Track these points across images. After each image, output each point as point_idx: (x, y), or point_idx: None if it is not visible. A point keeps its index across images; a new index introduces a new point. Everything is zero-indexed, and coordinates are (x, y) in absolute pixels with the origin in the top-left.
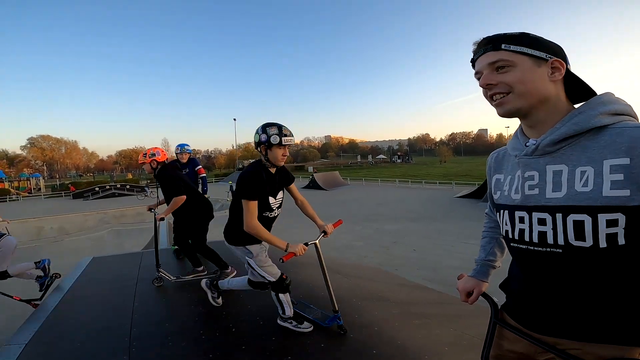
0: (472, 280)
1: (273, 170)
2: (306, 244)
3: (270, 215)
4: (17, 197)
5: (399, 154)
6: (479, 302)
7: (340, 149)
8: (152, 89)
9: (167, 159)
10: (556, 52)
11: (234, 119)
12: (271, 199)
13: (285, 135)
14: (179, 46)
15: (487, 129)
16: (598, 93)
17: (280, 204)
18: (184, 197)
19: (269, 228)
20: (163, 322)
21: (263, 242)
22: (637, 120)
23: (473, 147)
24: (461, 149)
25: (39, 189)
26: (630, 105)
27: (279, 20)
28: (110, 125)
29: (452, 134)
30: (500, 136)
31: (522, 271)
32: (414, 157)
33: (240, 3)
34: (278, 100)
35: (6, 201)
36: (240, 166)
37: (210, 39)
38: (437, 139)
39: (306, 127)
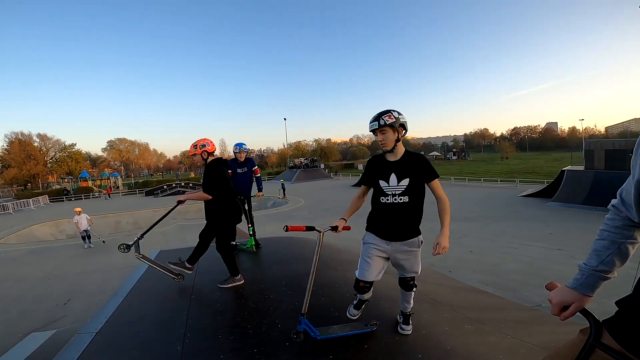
0: (573, 294)
1: (391, 157)
2: (313, 228)
3: (387, 200)
4: (100, 195)
5: (454, 150)
6: (543, 307)
7: None
8: (209, 90)
9: (214, 150)
10: None
11: (284, 119)
12: (382, 183)
13: (370, 123)
14: (234, 49)
15: (557, 122)
16: None
17: (403, 191)
18: (210, 197)
19: (392, 216)
20: (215, 315)
21: (374, 238)
22: None
23: (540, 142)
24: (526, 144)
25: (118, 187)
26: None
27: (326, 13)
28: (174, 126)
29: (514, 128)
30: (572, 130)
31: None
32: (471, 153)
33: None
34: (325, 98)
35: (90, 198)
36: (292, 164)
37: (261, 39)
38: (498, 134)
39: (355, 125)
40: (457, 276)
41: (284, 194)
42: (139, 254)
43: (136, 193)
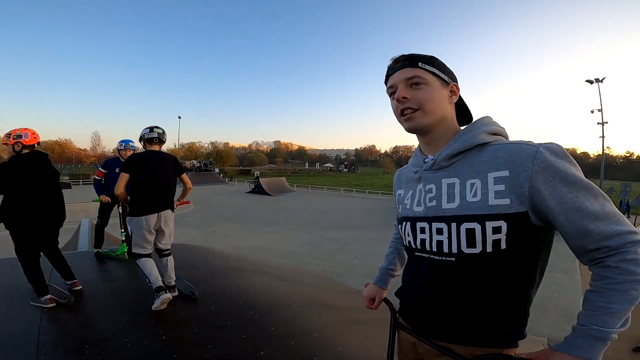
0: (374, 288)
1: None
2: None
3: None
4: None
5: (345, 163)
6: None
7: (289, 155)
8: (80, 77)
9: (38, 143)
10: (454, 78)
11: (179, 117)
12: None
13: None
14: (121, 32)
15: None
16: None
17: None
18: None
19: None
20: (79, 330)
21: None
22: (508, 139)
23: None
24: (403, 161)
25: None
26: (503, 128)
27: (231, 17)
28: (30, 113)
29: (395, 146)
30: None
31: (421, 279)
32: (360, 167)
33: None
34: (226, 101)
35: None
36: (182, 166)
37: (158, 29)
38: (382, 151)
39: (256, 131)
40: (345, 280)
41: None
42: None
43: None
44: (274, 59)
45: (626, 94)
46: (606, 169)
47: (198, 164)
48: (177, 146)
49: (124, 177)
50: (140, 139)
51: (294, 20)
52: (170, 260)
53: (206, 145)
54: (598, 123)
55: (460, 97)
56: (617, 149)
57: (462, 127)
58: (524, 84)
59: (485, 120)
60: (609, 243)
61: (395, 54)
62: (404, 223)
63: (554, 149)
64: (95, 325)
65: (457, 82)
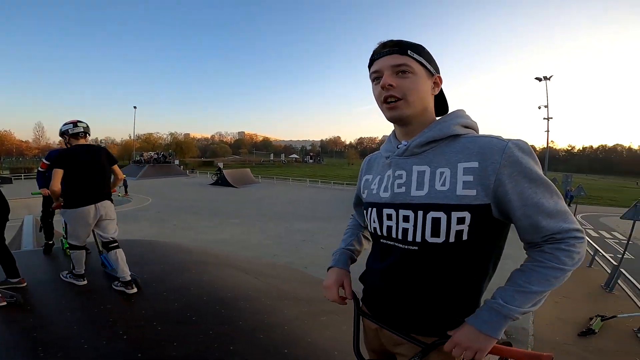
0: (336, 272)
1: None
2: None
3: None
4: None
5: (311, 154)
6: None
7: (254, 146)
8: (21, 65)
9: None
10: (438, 70)
11: (134, 107)
12: None
13: None
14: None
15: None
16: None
17: None
18: None
19: None
20: (29, 331)
21: None
22: (479, 133)
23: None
24: (367, 152)
25: None
26: (475, 122)
27: (193, 8)
28: None
29: (360, 138)
30: None
31: (384, 267)
32: (325, 158)
33: None
34: (187, 91)
35: None
36: (138, 158)
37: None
38: (347, 142)
39: (219, 121)
40: (312, 271)
41: (126, 191)
42: None
43: None
44: (238, 49)
45: (569, 92)
46: (550, 161)
47: (156, 156)
48: (132, 137)
49: (59, 173)
50: (63, 134)
51: (259, 8)
52: (120, 253)
53: (165, 136)
54: (544, 118)
55: (441, 90)
56: (560, 143)
57: (438, 118)
58: (475, 82)
59: (460, 113)
60: (554, 235)
61: (361, 43)
62: (370, 209)
63: (521, 145)
64: (49, 325)
65: (440, 74)
